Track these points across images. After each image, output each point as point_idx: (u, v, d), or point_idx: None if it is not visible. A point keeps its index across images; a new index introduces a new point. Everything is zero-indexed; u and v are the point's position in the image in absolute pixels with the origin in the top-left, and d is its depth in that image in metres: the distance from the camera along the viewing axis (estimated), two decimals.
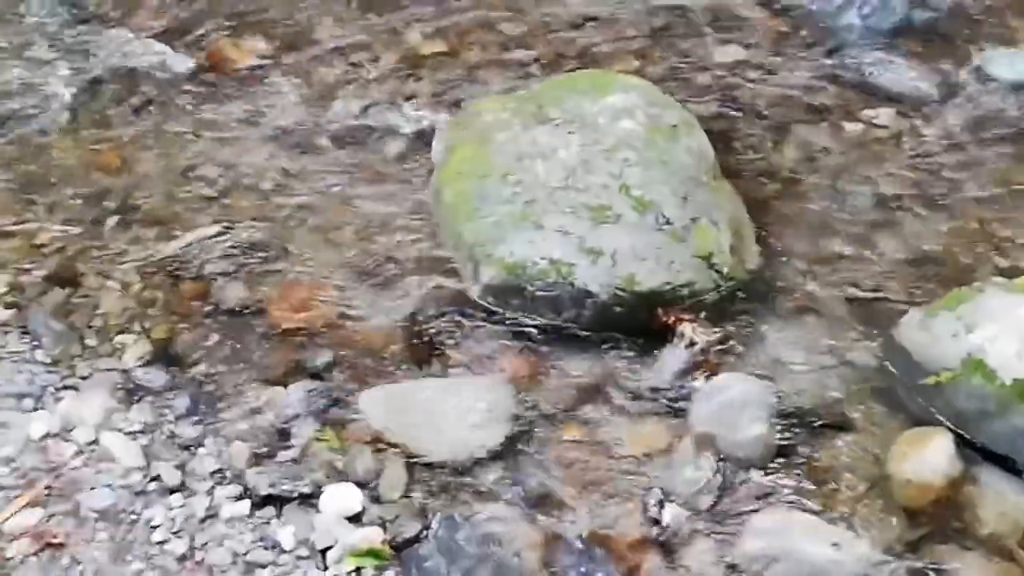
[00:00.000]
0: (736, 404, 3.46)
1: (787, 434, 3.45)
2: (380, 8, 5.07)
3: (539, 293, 3.74)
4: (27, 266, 3.93)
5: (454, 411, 3.50)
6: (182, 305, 3.86)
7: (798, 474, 3.37)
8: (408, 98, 4.65)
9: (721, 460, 3.37)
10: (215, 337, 3.76)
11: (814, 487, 3.34)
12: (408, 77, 4.76)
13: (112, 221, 4.14)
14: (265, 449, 3.41)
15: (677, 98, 4.32)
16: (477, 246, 3.84)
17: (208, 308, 3.85)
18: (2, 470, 3.26)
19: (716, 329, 3.72)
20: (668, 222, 3.81)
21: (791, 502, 3.30)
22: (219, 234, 4.09)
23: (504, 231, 3.82)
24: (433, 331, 3.79)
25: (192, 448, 3.40)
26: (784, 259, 4.01)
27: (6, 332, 3.69)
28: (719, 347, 3.69)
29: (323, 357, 3.69)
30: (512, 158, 3.98)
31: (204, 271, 3.97)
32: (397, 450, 3.41)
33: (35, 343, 3.66)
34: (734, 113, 4.58)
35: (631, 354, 3.71)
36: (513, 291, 3.77)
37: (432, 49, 4.89)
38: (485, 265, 3.80)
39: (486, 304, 3.82)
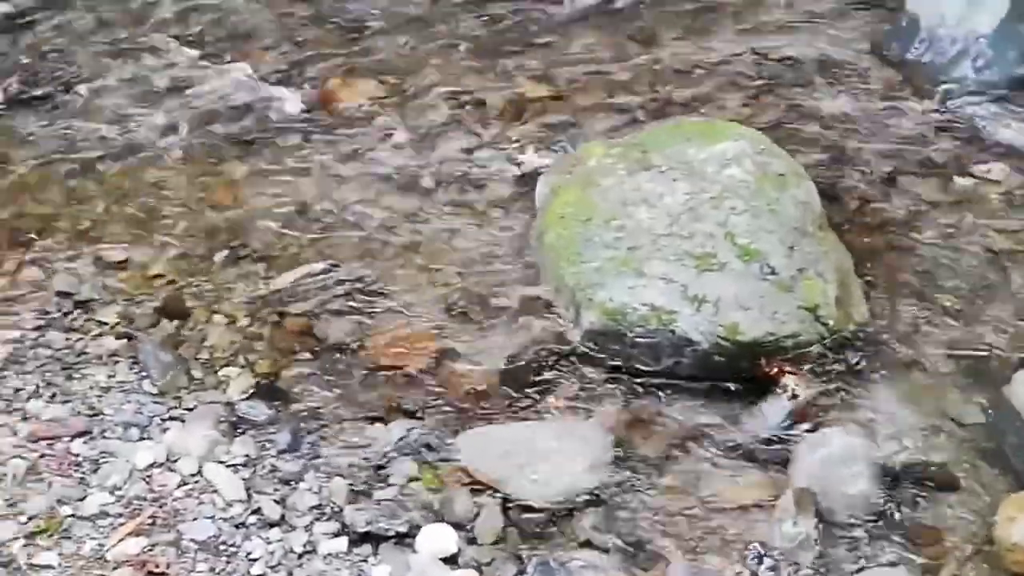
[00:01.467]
0: (839, 459, 3.40)
1: (890, 492, 3.38)
2: (490, 53, 5.13)
3: (640, 339, 3.73)
4: (139, 297, 4.02)
5: (551, 455, 3.49)
6: (286, 340, 3.91)
7: (901, 534, 3.29)
8: (514, 141, 4.68)
9: (822, 516, 3.31)
10: (318, 373, 3.80)
11: (917, 548, 3.26)
12: (514, 120, 4.80)
13: (221, 256, 4.22)
14: (364, 486, 3.43)
15: (785, 147, 4.29)
16: (579, 290, 3.84)
17: (312, 344, 3.90)
18: (108, 498, 3.32)
19: (819, 382, 3.67)
20: (773, 272, 3.77)
21: (893, 563, 3.22)
22: (325, 271, 4.14)
23: (606, 276, 3.82)
24: (532, 374, 3.79)
25: (292, 483, 3.43)
26: (891, 313, 3.95)
27: (116, 362, 3.77)
28: (822, 400, 3.64)
29: (423, 396, 3.71)
30: (616, 203, 3.98)
31: (309, 308, 4.02)
32: (494, 492, 3.41)
33: (144, 374, 3.74)
34: (842, 164, 4.54)
35: (731, 404, 3.67)
36: (613, 336, 3.76)
37: (539, 93, 4.93)
38: (586, 309, 3.80)
39: (586, 348, 3.81)
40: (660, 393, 3.71)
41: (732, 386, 3.70)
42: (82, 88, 4.94)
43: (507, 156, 4.60)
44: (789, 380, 3.64)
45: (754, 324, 3.69)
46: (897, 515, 3.34)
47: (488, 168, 4.56)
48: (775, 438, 3.55)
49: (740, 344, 3.67)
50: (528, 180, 4.45)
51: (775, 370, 3.66)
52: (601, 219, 3.95)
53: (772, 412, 3.61)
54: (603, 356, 3.79)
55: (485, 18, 5.32)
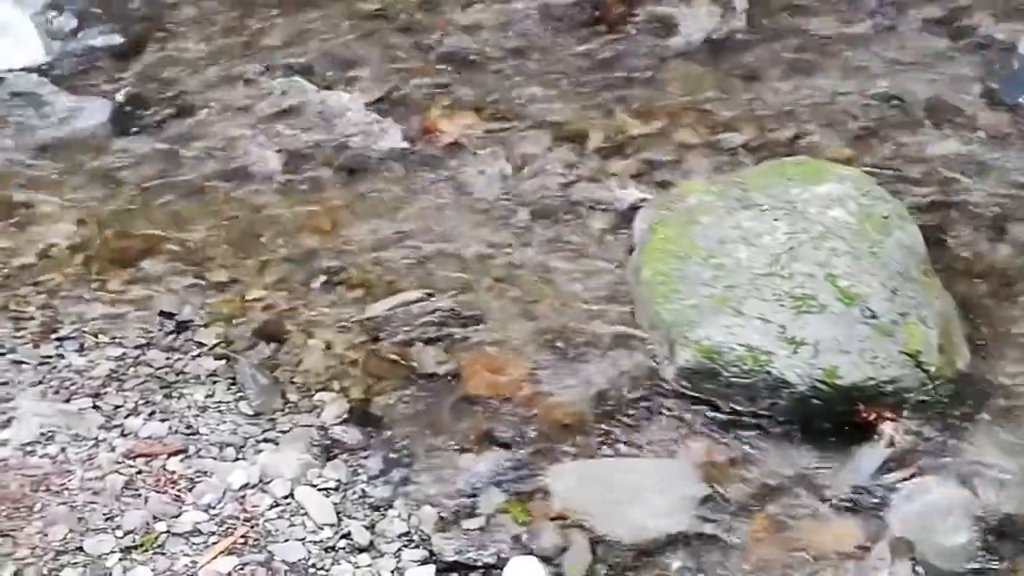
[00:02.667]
0: (938, 509, 3.33)
1: (991, 545, 3.29)
2: (591, 86, 5.13)
3: (735, 379, 3.69)
4: (238, 320, 4.08)
5: (641, 493, 3.46)
6: (381, 367, 3.94)
7: None
8: (613, 175, 4.67)
9: (919, 567, 3.23)
10: (410, 400, 3.82)
11: None
12: (614, 155, 4.79)
13: (319, 281, 4.26)
14: (452, 515, 3.44)
15: (890, 190, 4.22)
16: (674, 327, 3.81)
17: (405, 371, 3.92)
18: (202, 516, 3.37)
19: (919, 429, 3.59)
20: (874, 316, 3.71)
21: None
22: (420, 300, 4.16)
23: (703, 314, 3.78)
24: (625, 409, 3.77)
25: (382, 509, 3.44)
26: (994, 361, 3.86)
27: (215, 382, 3.83)
28: (921, 448, 3.56)
29: (514, 428, 3.71)
30: (715, 241, 3.96)
31: (404, 335, 4.04)
32: (582, 527, 3.39)
33: (241, 395, 3.79)
34: (949, 208, 4.45)
35: (827, 448, 3.61)
36: (708, 375, 3.72)
37: (640, 128, 4.91)
38: (681, 347, 3.77)
39: (680, 387, 3.79)
40: (754, 434, 3.66)
41: (828, 430, 3.64)
42: (190, 113, 5.03)
43: (606, 190, 4.59)
44: (887, 427, 3.58)
45: (853, 368, 3.62)
46: (998, 569, 3.25)
47: (586, 202, 4.55)
48: (871, 485, 3.48)
49: (838, 388, 3.61)
50: (626, 215, 4.44)
51: (873, 416, 3.60)
52: (699, 256, 3.92)
53: (869, 459, 3.54)
54: (697, 395, 3.75)
55: (587, 51, 5.32)
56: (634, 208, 4.45)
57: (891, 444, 3.54)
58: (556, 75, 5.20)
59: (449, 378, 3.90)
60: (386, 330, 4.06)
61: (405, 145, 4.86)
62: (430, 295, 4.19)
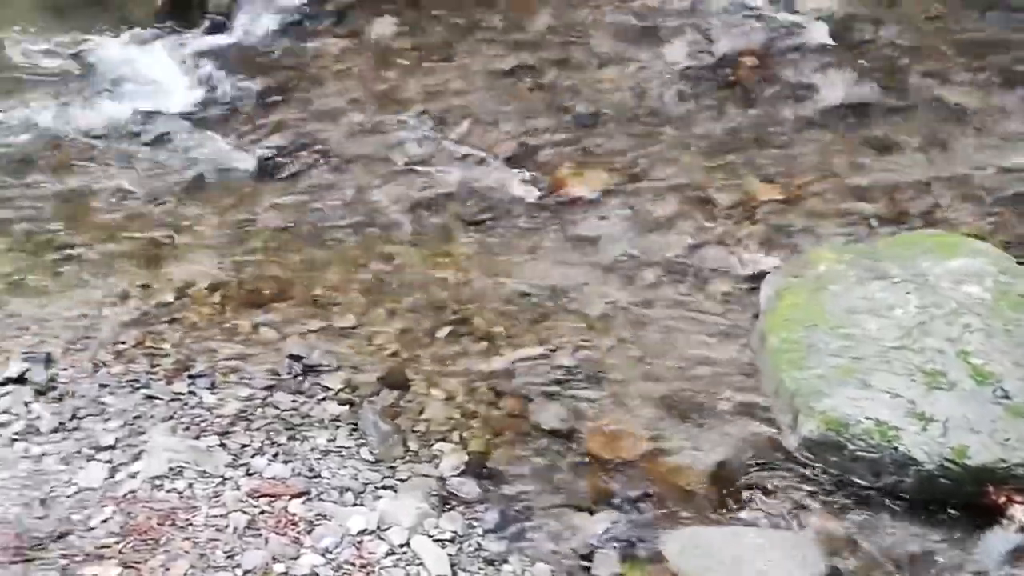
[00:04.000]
0: None
1: None
2: (721, 150, 5.13)
3: (859, 453, 3.63)
4: (363, 366, 4.14)
5: (760, 564, 3.41)
6: (501, 421, 3.96)
7: None
8: (741, 240, 4.65)
9: None
10: (529, 456, 3.84)
11: None
12: (743, 219, 4.77)
13: (444, 331, 4.31)
14: (566, 575, 3.42)
15: None
16: (799, 396, 3.76)
17: (525, 426, 3.94)
18: (319, 559, 3.41)
19: None
20: (1008, 396, 3.62)
21: None
22: (543, 355, 4.19)
23: (829, 384, 3.73)
24: (744, 477, 3.73)
25: (496, 563, 3.45)
26: None
27: (338, 427, 3.89)
28: None
29: (631, 489, 3.69)
30: (844, 311, 3.91)
31: (525, 389, 4.07)
32: None
33: (362, 441, 3.84)
34: None
35: (953, 530, 3.52)
36: (831, 447, 3.66)
37: (770, 194, 4.89)
38: (805, 417, 3.72)
39: (802, 457, 3.74)
40: (877, 511, 3.59)
41: (955, 511, 3.55)
42: (327, 162, 5.15)
43: (733, 254, 4.58)
44: (1018, 510, 3.47)
45: (984, 449, 3.54)
46: None
47: (713, 265, 4.54)
48: (1000, 571, 3.38)
49: (967, 468, 3.53)
50: (753, 280, 4.42)
51: (1003, 499, 3.50)
52: (827, 326, 3.88)
53: (997, 543, 3.44)
54: (819, 466, 3.70)
55: (721, 115, 5.32)
56: (761, 273, 4.43)
57: (1022, 529, 3.44)
58: (688, 137, 5.21)
59: (568, 435, 3.90)
60: (508, 384, 4.09)
61: (535, 200, 4.92)
62: (553, 351, 4.21)
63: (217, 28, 5.92)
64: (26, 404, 3.81)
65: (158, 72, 5.65)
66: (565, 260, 4.63)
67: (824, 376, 3.76)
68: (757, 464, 3.77)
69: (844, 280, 4.02)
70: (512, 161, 5.13)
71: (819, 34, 5.82)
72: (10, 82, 5.55)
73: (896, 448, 3.57)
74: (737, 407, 3.96)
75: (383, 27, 5.93)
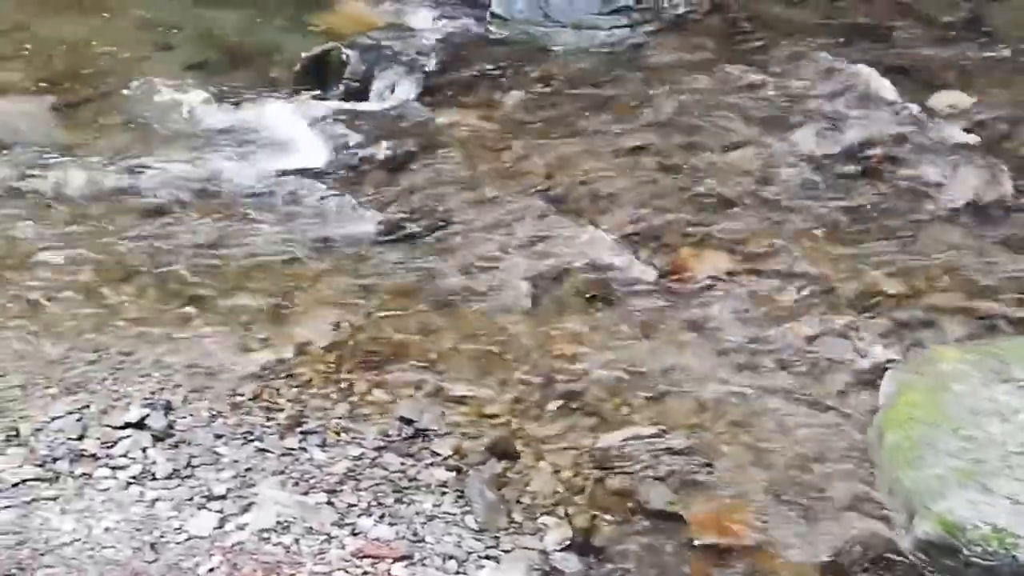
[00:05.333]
0: None
1: None
2: (847, 240, 5.08)
3: (975, 559, 3.51)
4: (473, 433, 4.15)
5: None
6: (607, 498, 3.93)
7: None
8: (862, 333, 4.58)
9: None
10: (633, 536, 3.79)
11: None
12: (864, 312, 4.70)
13: (555, 405, 4.31)
14: None
15: None
16: (915, 496, 3.67)
17: (631, 506, 3.90)
18: None
19: None
20: None
21: None
22: (653, 435, 4.15)
23: (947, 486, 3.64)
24: (854, 574, 3.63)
25: None
26: None
27: (444, 493, 3.89)
28: None
29: None
30: (966, 411, 3.82)
31: (633, 468, 4.03)
32: None
33: (468, 508, 3.84)
34: None
35: None
36: (947, 551, 3.56)
37: (894, 287, 4.81)
38: (921, 518, 3.62)
39: (915, 559, 3.63)
40: None
41: None
42: (448, 229, 5.22)
43: (854, 347, 4.50)
44: None
45: None
46: None
47: (832, 356, 4.47)
48: None
49: None
50: (873, 374, 4.34)
51: None
52: (948, 426, 3.79)
53: None
54: (933, 570, 3.59)
55: (847, 205, 5.27)
56: (881, 367, 4.35)
57: None
58: (813, 225, 5.17)
59: (674, 518, 3.85)
60: (616, 462, 4.06)
61: (653, 279, 4.91)
62: (664, 432, 4.17)
63: (353, 93, 6.08)
64: (143, 449, 3.89)
65: (293, 132, 5.81)
66: (681, 341, 4.61)
67: (942, 477, 3.66)
68: (868, 562, 3.67)
69: (967, 380, 3.93)
70: (633, 239, 5.13)
71: (953, 130, 5.76)
72: (151, 135, 5.77)
73: (1015, 557, 3.46)
74: (850, 501, 3.88)
75: (513, 100, 6.03)
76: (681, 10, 6.80)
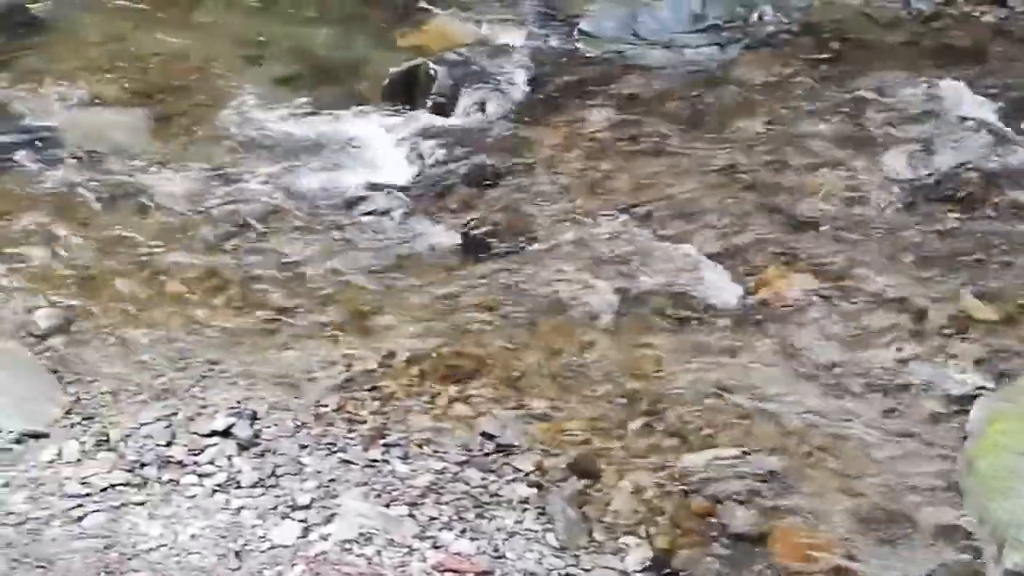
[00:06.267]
0: None
1: None
2: (938, 264, 5.00)
3: None
4: (554, 451, 4.15)
5: None
6: (688, 520, 3.91)
7: None
8: (952, 358, 4.50)
9: None
10: (714, 559, 3.77)
11: None
12: (955, 337, 4.62)
13: (637, 424, 4.29)
14: None
15: None
16: (1005, 526, 3.60)
17: (713, 528, 3.88)
18: None
19: None
20: None
21: None
22: (736, 458, 4.12)
23: None
24: None
25: None
26: None
27: (525, 509, 3.89)
28: None
29: None
30: None
31: (715, 491, 4.00)
32: None
33: (549, 526, 3.83)
34: None
35: None
36: None
37: (987, 314, 4.72)
38: (1012, 549, 3.55)
39: None
40: None
41: None
42: (533, 246, 5.22)
43: (943, 373, 4.43)
44: None
45: None
46: None
47: (921, 381, 4.40)
48: None
49: None
50: (963, 401, 4.27)
51: None
52: None
53: None
54: None
55: (938, 229, 5.19)
56: (971, 395, 4.27)
57: None
58: (902, 248, 5.10)
59: (756, 541, 3.82)
60: (699, 483, 4.03)
61: (738, 300, 4.87)
62: (747, 453, 4.14)
63: (439, 109, 6.12)
64: (229, 458, 3.95)
65: (380, 147, 5.87)
66: (765, 362, 4.57)
67: None
68: None
69: None
70: (718, 259, 5.10)
71: None
72: (240, 148, 5.85)
73: None
74: (937, 530, 3.82)
75: (600, 117, 6.02)
76: (771, 29, 6.76)
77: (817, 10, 6.99)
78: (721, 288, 4.93)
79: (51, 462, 3.85)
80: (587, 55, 6.65)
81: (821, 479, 4.03)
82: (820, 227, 5.24)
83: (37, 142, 5.78)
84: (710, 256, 5.10)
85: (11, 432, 3.93)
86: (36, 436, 3.96)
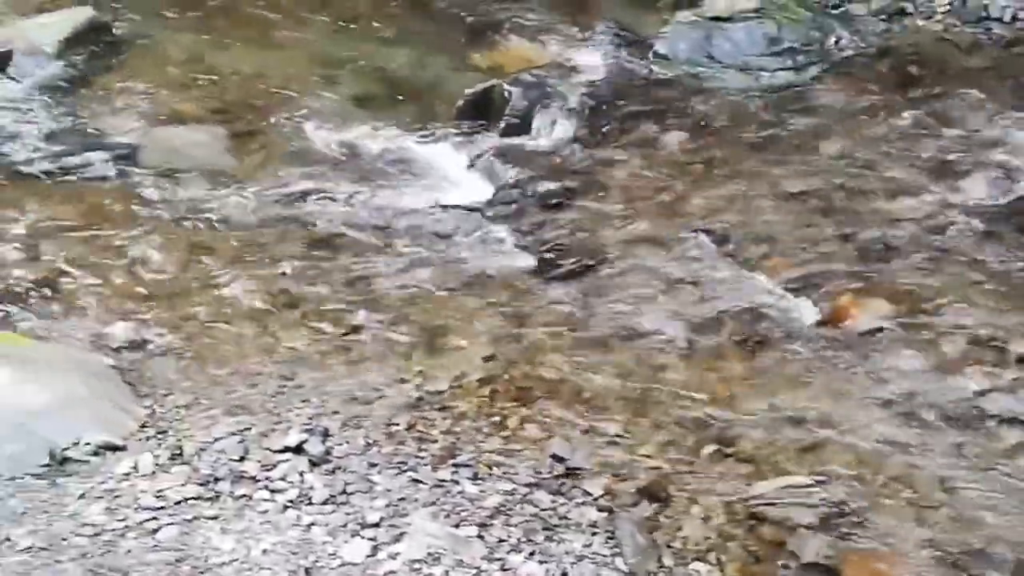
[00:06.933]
0: None
1: None
2: (1016, 293, 4.93)
3: None
4: (625, 475, 4.12)
5: None
6: (759, 547, 3.86)
7: None
8: None
9: None
10: None
11: None
12: None
13: (708, 449, 4.25)
14: None
15: None
16: None
17: (784, 556, 3.83)
18: None
19: None
20: None
21: None
22: (809, 486, 4.06)
23: None
24: None
25: None
26: None
27: (594, 533, 3.86)
28: None
29: None
30: None
31: (787, 518, 3.94)
32: None
33: (618, 550, 3.80)
34: None
35: None
36: None
37: None
38: None
39: None
40: None
41: None
42: (605, 268, 5.21)
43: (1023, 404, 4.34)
44: None
45: None
46: None
47: (1000, 413, 4.32)
48: None
49: None
50: None
51: None
52: None
53: None
54: None
55: (1018, 256, 5.09)
56: None
57: None
58: (981, 277, 5.02)
59: (829, 572, 3.76)
60: (770, 510, 3.98)
61: (813, 326, 4.82)
62: (820, 482, 4.08)
63: (513, 129, 6.14)
64: (301, 474, 3.96)
65: (454, 167, 5.91)
66: (839, 390, 4.51)
67: None
68: None
69: None
70: (791, 284, 5.06)
71: None
72: (316, 166, 5.92)
73: None
74: (1016, 565, 3.72)
75: (674, 139, 6.02)
76: (849, 53, 6.71)
77: (895, 34, 6.94)
78: (795, 314, 4.88)
79: (127, 474, 3.89)
80: (661, 77, 6.65)
81: (895, 510, 3.97)
82: (897, 254, 5.17)
83: (117, 158, 5.89)
84: (784, 281, 5.05)
85: (88, 444, 3.98)
86: (113, 448, 4.01)
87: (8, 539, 3.61)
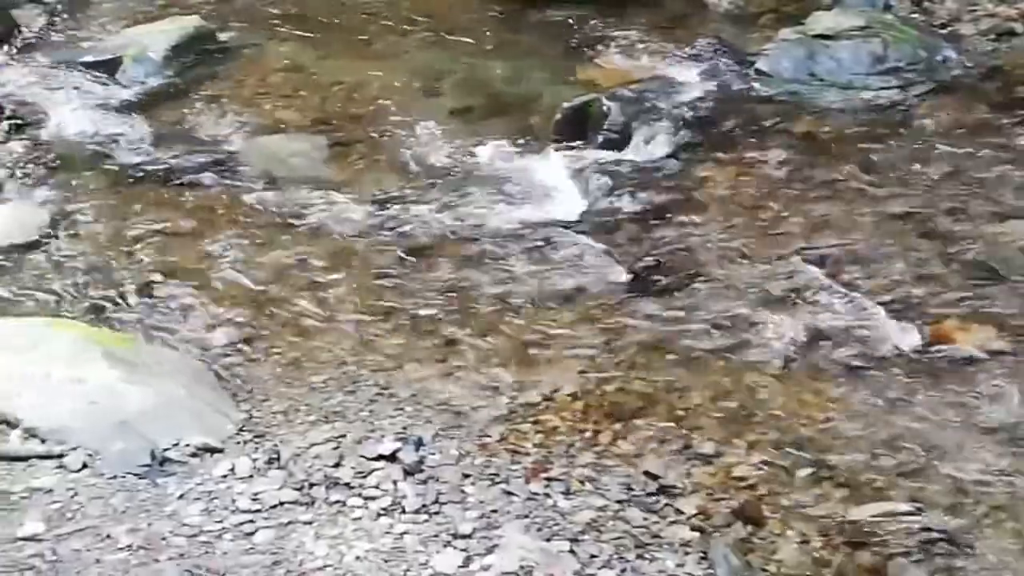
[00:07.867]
0: None
1: None
2: None
3: None
4: (719, 495, 4.07)
5: None
6: (856, 574, 3.78)
7: None
8: None
9: None
10: None
11: None
12: None
13: (805, 472, 4.18)
14: None
15: None
16: None
17: None
18: None
19: None
20: None
21: None
22: (908, 513, 3.97)
23: None
24: None
25: None
26: None
27: (687, 553, 3.82)
28: None
29: None
30: None
31: (885, 546, 3.87)
32: None
33: (710, 571, 3.75)
34: None
35: None
36: None
37: None
38: None
39: None
40: None
41: None
42: (700, 284, 5.17)
43: None
44: None
45: None
46: None
47: None
48: None
49: None
50: None
51: None
52: None
53: None
54: None
55: None
56: None
57: None
58: None
59: None
60: (868, 537, 3.90)
61: (914, 350, 4.73)
62: (919, 510, 3.99)
63: (611, 144, 6.12)
64: (394, 482, 3.98)
65: (550, 180, 5.91)
66: (941, 416, 4.41)
67: None
68: None
69: None
70: (893, 307, 4.95)
71: None
72: (414, 177, 5.97)
73: None
74: None
75: (774, 157, 5.95)
76: (956, 72, 6.59)
77: (1004, 54, 6.80)
78: (896, 337, 4.78)
79: (224, 476, 3.94)
80: (763, 94, 6.59)
81: (1000, 542, 3.86)
82: (1004, 278, 5.05)
83: (220, 165, 6.00)
84: (886, 303, 4.96)
85: (188, 445, 4.04)
86: (211, 450, 4.06)
87: (109, 536, 3.68)
